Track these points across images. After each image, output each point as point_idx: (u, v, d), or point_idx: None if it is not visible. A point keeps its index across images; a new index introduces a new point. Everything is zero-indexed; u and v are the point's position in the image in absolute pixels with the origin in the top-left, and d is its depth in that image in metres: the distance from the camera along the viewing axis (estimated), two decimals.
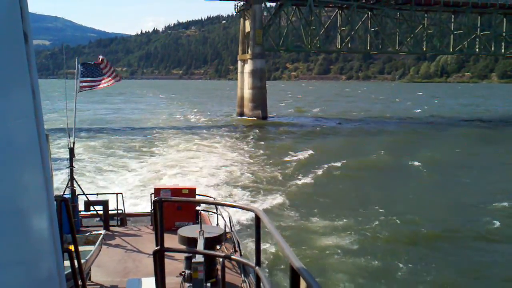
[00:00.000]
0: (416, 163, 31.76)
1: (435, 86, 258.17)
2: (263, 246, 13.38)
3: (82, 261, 5.78)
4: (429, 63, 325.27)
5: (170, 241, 6.96)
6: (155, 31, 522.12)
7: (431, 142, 43.69)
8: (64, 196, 10.38)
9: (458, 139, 45.49)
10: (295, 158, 34.38)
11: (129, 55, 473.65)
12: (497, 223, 19.16)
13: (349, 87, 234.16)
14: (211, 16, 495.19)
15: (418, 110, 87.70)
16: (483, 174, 29.22)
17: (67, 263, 4.41)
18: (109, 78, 13.41)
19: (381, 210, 20.73)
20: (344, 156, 34.26)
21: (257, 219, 4.42)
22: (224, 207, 11.32)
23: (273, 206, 21.45)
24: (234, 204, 6.58)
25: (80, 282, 5.22)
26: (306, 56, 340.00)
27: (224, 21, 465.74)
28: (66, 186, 12.41)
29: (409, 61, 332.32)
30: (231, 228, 11.40)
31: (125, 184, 24.63)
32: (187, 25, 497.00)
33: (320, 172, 29.35)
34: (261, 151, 37.78)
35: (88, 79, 13.07)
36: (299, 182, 26.63)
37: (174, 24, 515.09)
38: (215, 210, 12.44)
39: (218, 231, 8.83)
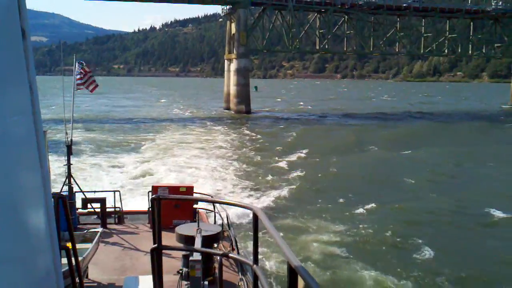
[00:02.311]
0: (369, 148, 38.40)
1: (426, 85, 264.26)
2: (261, 244, 13.16)
3: (80, 258, 5.76)
4: (422, 62, 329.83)
5: (168, 239, 6.96)
6: (153, 29, 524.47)
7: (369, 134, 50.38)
8: (62, 193, 10.47)
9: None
10: (267, 146, 40.30)
11: (126, 52, 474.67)
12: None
13: (334, 86, 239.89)
14: (208, 14, 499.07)
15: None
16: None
17: (64, 260, 4.41)
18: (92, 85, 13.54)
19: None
20: (302, 144, 40.77)
21: (255, 217, 4.44)
22: (222, 205, 11.26)
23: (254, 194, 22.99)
24: (232, 202, 6.79)
25: (77, 280, 5.26)
26: (302, 55, 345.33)
27: (221, 19, 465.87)
28: (64, 183, 12.40)
29: (403, 61, 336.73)
30: (228, 226, 11.48)
31: (122, 181, 25.29)
32: (184, 22, 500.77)
33: (289, 157, 33.26)
34: (240, 140, 43.36)
35: (83, 81, 13.26)
36: (271, 166, 29.99)
37: (171, 21, 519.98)
38: (212, 208, 12.54)
39: (216, 229, 8.81)
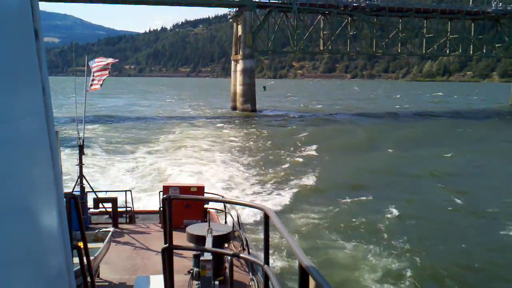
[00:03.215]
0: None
1: (436, 84, 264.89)
2: (272, 244, 13.22)
3: (91, 258, 5.88)
4: (432, 62, 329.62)
5: (179, 239, 7.02)
6: (163, 29, 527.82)
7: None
8: (74, 193, 10.56)
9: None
10: (265, 142, 43.26)
11: (137, 53, 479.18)
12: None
13: (344, 86, 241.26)
14: (219, 15, 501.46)
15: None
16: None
17: (76, 260, 4.48)
18: (103, 72, 13.45)
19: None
20: (299, 141, 43.34)
21: (266, 217, 4.45)
22: (233, 205, 11.24)
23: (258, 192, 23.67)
24: (243, 202, 6.61)
25: (89, 279, 5.34)
26: (312, 54, 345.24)
27: (231, 20, 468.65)
28: (76, 183, 12.49)
29: (413, 61, 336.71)
30: (239, 226, 11.48)
31: (133, 181, 25.59)
32: (195, 23, 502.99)
33: (293, 155, 34.68)
34: (245, 138, 45.67)
35: (97, 74, 13.20)
36: (276, 164, 30.83)
37: (182, 22, 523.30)
38: (223, 208, 12.60)
39: (227, 229, 8.82)
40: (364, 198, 22.80)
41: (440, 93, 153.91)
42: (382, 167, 30.18)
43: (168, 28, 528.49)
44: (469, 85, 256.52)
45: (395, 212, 20.23)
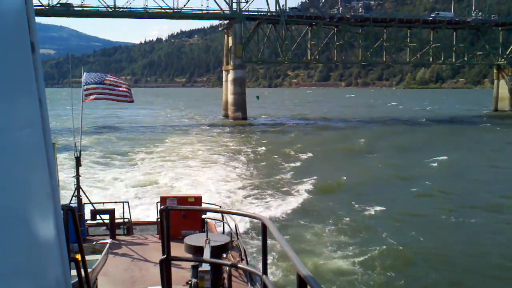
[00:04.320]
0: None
1: (429, 91, 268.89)
2: (270, 254, 13.14)
3: (89, 270, 5.80)
4: (425, 69, 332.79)
5: (177, 249, 6.96)
6: (159, 40, 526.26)
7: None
8: (71, 205, 10.63)
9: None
10: (255, 147, 46.30)
11: (133, 63, 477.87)
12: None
13: (339, 94, 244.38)
14: (214, 25, 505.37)
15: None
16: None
17: (74, 272, 4.41)
18: (117, 94, 13.56)
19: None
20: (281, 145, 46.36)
21: (264, 227, 4.46)
22: (231, 215, 11.39)
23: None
24: (241, 212, 6.76)
25: None
26: (306, 63, 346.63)
27: (223, 31, 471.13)
28: (73, 194, 12.49)
29: (406, 68, 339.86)
30: (237, 236, 11.52)
31: (130, 191, 25.61)
32: (190, 33, 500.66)
33: (278, 162, 35.93)
34: (236, 144, 48.19)
35: (92, 86, 13.12)
36: (265, 170, 32.04)
37: (177, 32, 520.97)
38: (221, 218, 12.57)
39: (225, 240, 8.71)
40: (360, 204, 22.92)
41: (427, 105, 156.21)
42: (376, 174, 31.01)
43: (164, 38, 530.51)
44: (461, 91, 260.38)
45: (396, 224, 20.04)
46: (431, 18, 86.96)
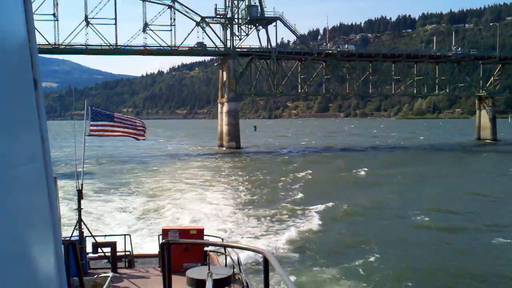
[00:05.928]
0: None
1: (426, 121, 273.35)
2: (272, 287, 13.20)
3: None
4: (422, 100, 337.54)
5: (179, 283, 6.90)
6: (160, 73, 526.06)
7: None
8: (72, 239, 10.72)
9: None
10: (250, 175, 50.30)
11: (135, 96, 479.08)
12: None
13: (338, 125, 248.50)
14: (215, 58, 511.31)
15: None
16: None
17: None
18: (127, 130, 13.61)
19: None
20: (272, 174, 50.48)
21: (265, 261, 4.51)
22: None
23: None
24: (243, 245, 6.97)
25: None
26: (296, 96, 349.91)
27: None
28: (74, 227, 12.52)
29: (404, 99, 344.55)
30: (240, 269, 11.43)
31: (132, 224, 25.71)
32: (191, 66, 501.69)
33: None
34: (228, 172, 52.15)
35: (100, 123, 13.16)
36: (250, 197, 33.40)
37: (178, 65, 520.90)
38: (223, 251, 12.51)
39: (227, 272, 8.18)
40: (358, 231, 23.46)
41: (418, 134, 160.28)
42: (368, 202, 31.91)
43: (165, 71, 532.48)
44: (457, 121, 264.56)
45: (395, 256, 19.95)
46: (414, 53, 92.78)
